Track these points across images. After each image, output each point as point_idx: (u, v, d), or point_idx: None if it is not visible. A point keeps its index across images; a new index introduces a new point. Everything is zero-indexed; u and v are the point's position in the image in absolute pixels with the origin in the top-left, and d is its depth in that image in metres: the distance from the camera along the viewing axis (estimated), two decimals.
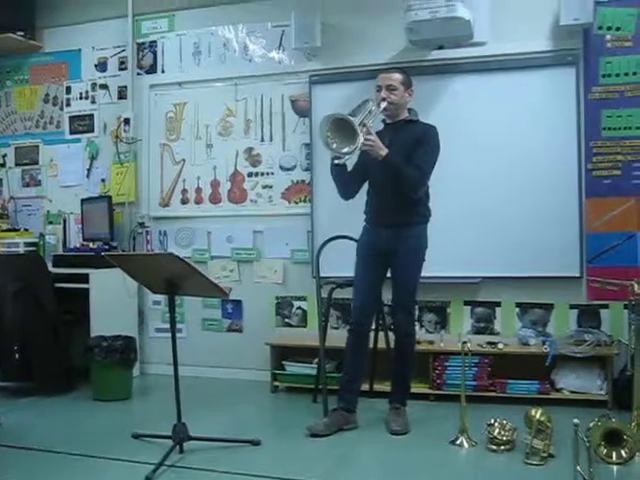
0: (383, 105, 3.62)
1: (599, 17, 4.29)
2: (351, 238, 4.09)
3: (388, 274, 3.78)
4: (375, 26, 4.73)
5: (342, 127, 3.37)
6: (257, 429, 3.73)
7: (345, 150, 3.41)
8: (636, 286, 3.45)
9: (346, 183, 3.76)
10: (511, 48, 4.44)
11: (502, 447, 3.29)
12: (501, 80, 4.47)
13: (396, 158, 3.53)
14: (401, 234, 3.66)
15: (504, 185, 4.42)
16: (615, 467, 3.03)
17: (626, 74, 4.29)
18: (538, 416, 3.29)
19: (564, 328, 4.41)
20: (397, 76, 3.70)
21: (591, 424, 3.13)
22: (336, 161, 3.52)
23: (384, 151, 3.50)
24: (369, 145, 3.46)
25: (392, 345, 3.96)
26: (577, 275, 4.36)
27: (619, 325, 4.24)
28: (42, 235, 5.47)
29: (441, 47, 4.57)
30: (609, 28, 4.31)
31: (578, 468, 2.78)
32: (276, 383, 4.67)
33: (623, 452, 3.05)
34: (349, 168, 3.75)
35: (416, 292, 3.77)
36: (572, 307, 4.43)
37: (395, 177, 3.56)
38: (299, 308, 4.97)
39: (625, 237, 4.29)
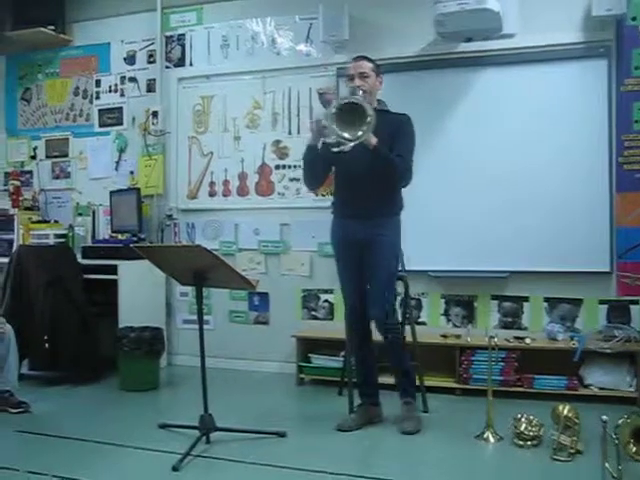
0: (359, 93, 3.44)
1: (632, 8, 4.22)
2: None
3: None
4: (403, 19, 4.71)
5: (347, 113, 3.27)
6: (283, 421, 3.74)
7: (348, 136, 3.27)
8: None
9: (317, 171, 3.65)
10: (541, 40, 4.39)
11: (529, 442, 3.27)
12: (531, 73, 4.43)
13: (384, 148, 3.41)
14: (377, 225, 3.54)
15: (533, 179, 4.38)
16: None
17: None
18: (566, 412, 3.26)
19: (593, 323, 4.37)
20: (368, 64, 3.59)
21: (620, 421, 3.09)
22: (336, 149, 3.32)
23: (374, 140, 3.34)
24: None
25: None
26: (607, 270, 4.31)
27: None
28: (71, 227, 5.52)
29: (470, 39, 4.53)
30: None
31: (607, 465, 2.76)
32: (302, 375, 4.68)
33: None
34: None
35: (392, 286, 3.64)
36: (601, 302, 4.38)
37: (382, 167, 3.44)
38: (326, 301, 4.97)
39: None
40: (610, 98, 4.29)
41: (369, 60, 3.63)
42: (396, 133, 3.51)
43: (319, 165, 3.62)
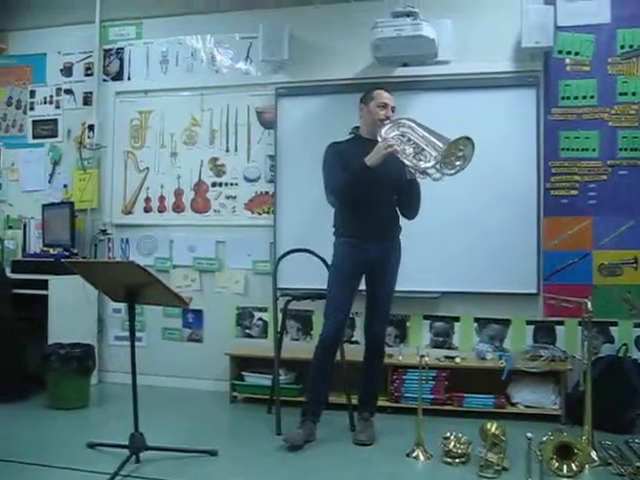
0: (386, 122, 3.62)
1: (559, 41, 4.42)
2: (310, 252, 4.12)
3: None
4: (342, 41, 4.79)
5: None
6: (214, 439, 3.72)
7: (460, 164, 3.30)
8: (589, 303, 3.54)
9: (354, 189, 3.63)
10: (474, 67, 4.55)
11: (457, 460, 3.34)
12: (464, 99, 4.56)
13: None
14: (390, 247, 3.74)
15: (464, 202, 4.49)
16: None
17: (584, 97, 4.42)
18: (493, 430, 3.35)
19: (520, 343, 4.50)
20: (394, 98, 3.75)
21: (544, 438, 3.20)
22: (418, 177, 3.45)
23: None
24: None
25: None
26: (534, 292, 4.45)
27: (573, 341, 4.34)
28: (1, 240, 5.39)
29: (406, 64, 4.65)
30: (568, 52, 4.44)
31: None
32: (235, 394, 4.67)
33: (574, 465, 3.11)
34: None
35: (391, 305, 3.83)
36: (529, 323, 4.52)
37: (410, 197, 3.66)
38: (260, 319, 4.98)
39: (580, 255, 4.40)
40: (538, 126, 4.46)
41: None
42: (402, 165, 3.51)
43: (358, 183, 3.60)
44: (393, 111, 3.70)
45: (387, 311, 3.81)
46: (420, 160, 3.39)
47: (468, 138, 3.23)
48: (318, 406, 3.75)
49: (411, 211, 3.75)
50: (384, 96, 3.71)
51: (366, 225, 3.66)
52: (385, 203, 3.70)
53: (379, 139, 3.51)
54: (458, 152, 3.26)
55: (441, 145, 3.26)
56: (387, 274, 3.75)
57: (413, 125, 3.49)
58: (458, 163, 3.27)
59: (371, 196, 3.62)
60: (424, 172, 3.38)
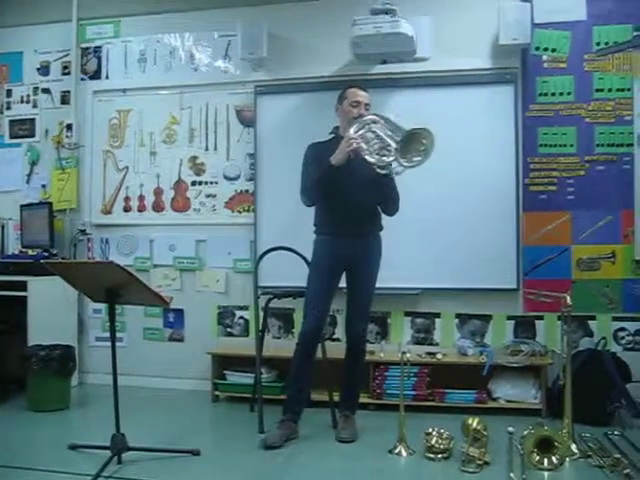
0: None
1: (536, 38, 4.46)
2: (291, 250, 4.13)
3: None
4: (321, 39, 4.80)
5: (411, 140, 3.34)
6: (197, 439, 3.71)
7: (418, 158, 3.36)
8: (568, 298, 3.58)
9: (323, 188, 3.66)
10: (452, 64, 4.57)
11: (439, 455, 3.35)
12: (443, 96, 4.58)
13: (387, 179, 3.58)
14: (368, 244, 3.74)
15: (445, 199, 4.51)
16: (546, 473, 3.12)
17: (561, 93, 4.46)
18: (474, 425, 3.37)
19: (501, 339, 4.53)
20: (368, 95, 3.75)
21: (525, 432, 3.22)
22: (384, 171, 3.47)
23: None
24: None
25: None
26: (514, 287, 4.49)
27: (553, 336, 4.38)
28: None
29: (385, 62, 4.66)
30: (545, 49, 4.48)
31: (512, 475, 2.88)
32: (217, 393, 4.66)
33: (554, 459, 3.15)
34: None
35: (372, 303, 3.82)
36: (509, 318, 4.56)
37: (385, 192, 3.65)
38: (241, 318, 4.97)
39: (559, 251, 4.44)
40: (517, 122, 4.49)
41: (367, 91, 3.76)
42: None
43: (325, 183, 3.62)
44: (367, 108, 3.69)
45: (367, 308, 3.79)
46: (384, 155, 3.43)
47: (426, 129, 3.29)
48: (298, 404, 3.75)
49: (388, 206, 3.75)
50: (356, 94, 3.71)
51: (342, 222, 3.67)
52: (362, 200, 3.67)
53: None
54: (420, 146, 3.31)
55: (398, 138, 3.33)
56: (365, 271, 3.74)
57: (380, 120, 3.51)
58: (417, 159, 3.34)
59: (346, 193, 3.64)
60: (386, 167, 3.44)
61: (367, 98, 3.72)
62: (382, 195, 3.70)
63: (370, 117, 3.56)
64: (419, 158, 3.34)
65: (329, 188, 3.61)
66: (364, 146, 3.47)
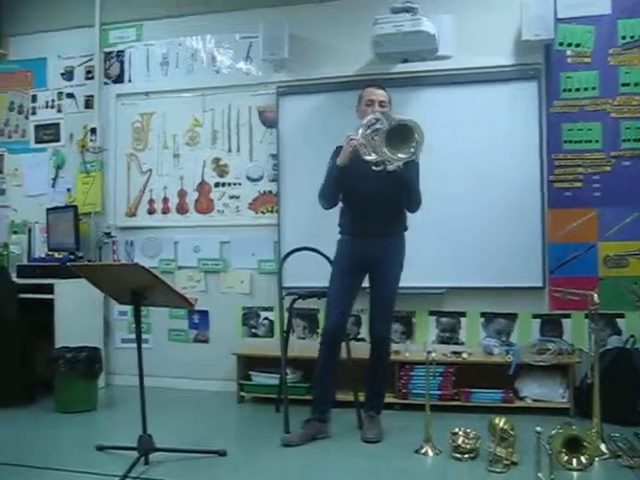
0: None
1: (560, 33, 4.40)
2: (315, 250, 4.12)
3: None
4: (342, 38, 4.79)
5: (397, 133, 3.39)
6: (223, 440, 3.72)
7: (402, 155, 3.39)
8: (595, 296, 3.53)
9: (336, 190, 3.71)
10: (475, 62, 4.54)
11: (466, 455, 3.33)
12: (465, 93, 4.55)
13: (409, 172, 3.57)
14: (389, 244, 3.72)
15: (468, 197, 4.48)
16: (575, 473, 3.08)
17: (585, 89, 4.41)
18: (501, 424, 3.33)
19: (527, 337, 4.49)
20: (385, 93, 3.74)
21: (553, 432, 3.18)
22: (378, 168, 3.46)
23: (401, 162, 3.48)
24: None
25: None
26: (540, 285, 4.44)
27: (580, 334, 4.32)
28: (6, 245, 5.41)
29: (406, 60, 4.64)
30: (569, 44, 4.43)
31: (540, 475, 2.84)
32: (242, 393, 4.67)
33: (583, 459, 3.11)
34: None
35: (395, 303, 3.79)
36: (535, 317, 4.51)
37: (403, 189, 3.60)
38: (266, 318, 4.98)
39: (586, 248, 4.39)
40: (540, 119, 4.45)
41: (384, 88, 3.77)
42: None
43: (337, 185, 3.67)
44: (383, 106, 3.68)
45: (389, 309, 3.77)
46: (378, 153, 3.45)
47: (412, 120, 3.35)
48: (324, 404, 3.75)
49: (409, 203, 3.70)
50: (370, 93, 3.72)
51: (363, 222, 3.68)
52: (382, 199, 3.64)
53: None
54: (413, 141, 3.35)
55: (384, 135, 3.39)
56: (386, 271, 3.72)
57: (381, 117, 3.51)
58: (404, 155, 3.38)
59: (362, 194, 3.65)
60: (380, 163, 3.45)
61: (382, 95, 3.71)
62: (399, 192, 3.64)
63: (371, 117, 3.55)
64: (411, 151, 3.38)
65: (346, 189, 3.64)
66: (364, 143, 3.48)
